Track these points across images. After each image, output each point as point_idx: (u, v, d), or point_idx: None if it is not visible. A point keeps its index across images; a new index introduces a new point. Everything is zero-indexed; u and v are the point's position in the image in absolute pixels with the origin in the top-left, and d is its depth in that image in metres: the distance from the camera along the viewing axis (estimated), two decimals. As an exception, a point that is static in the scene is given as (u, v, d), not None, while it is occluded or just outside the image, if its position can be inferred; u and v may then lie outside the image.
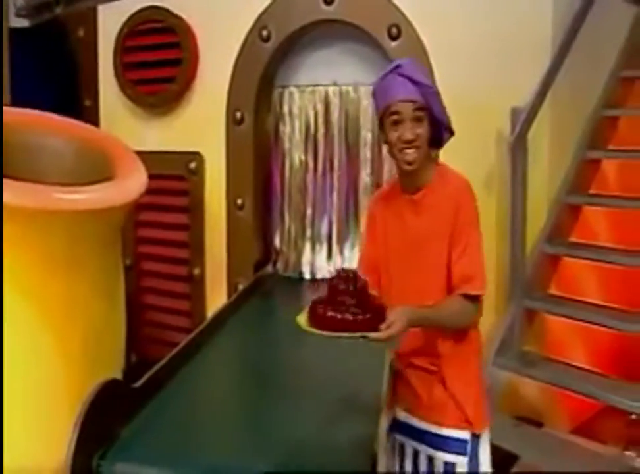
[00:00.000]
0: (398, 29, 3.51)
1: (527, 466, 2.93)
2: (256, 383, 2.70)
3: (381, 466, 2.08)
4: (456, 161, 3.41)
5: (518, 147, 3.26)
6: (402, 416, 2.04)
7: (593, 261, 3.51)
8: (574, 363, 3.30)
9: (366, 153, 3.76)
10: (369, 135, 3.75)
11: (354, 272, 1.69)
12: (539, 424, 3.37)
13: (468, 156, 3.43)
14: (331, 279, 1.72)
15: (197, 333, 2.90)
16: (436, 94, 1.86)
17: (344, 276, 1.67)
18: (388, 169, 3.73)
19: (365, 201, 3.75)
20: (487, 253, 3.32)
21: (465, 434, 1.92)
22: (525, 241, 3.30)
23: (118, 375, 2.89)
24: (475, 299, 1.85)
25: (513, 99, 3.39)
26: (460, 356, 1.93)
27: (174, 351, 2.64)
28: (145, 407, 2.21)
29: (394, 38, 3.53)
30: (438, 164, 1.96)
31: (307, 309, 1.70)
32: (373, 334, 1.61)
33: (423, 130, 1.83)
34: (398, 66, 1.85)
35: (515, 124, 3.32)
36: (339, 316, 1.61)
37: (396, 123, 1.82)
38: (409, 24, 3.51)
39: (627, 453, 3.11)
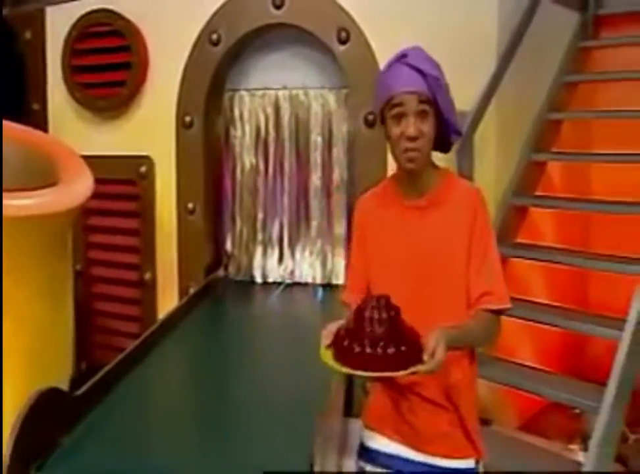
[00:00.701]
0: (347, 32, 3.53)
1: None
2: (204, 388, 2.70)
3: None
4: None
5: (464, 150, 3.31)
6: (385, 445, 1.81)
7: (539, 261, 3.59)
8: (522, 362, 3.36)
9: (316, 157, 3.77)
10: (319, 138, 3.77)
11: (386, 298, 1.50)
12: (487, 422, 3.42)
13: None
14: (362, 307, 1.50)
15: (144, 338, 2.88)
16: (445, 87, 1.71)
17: (377, 304, 1.47)
18: (339, 172, 3.76)
19: (316, 204, 3.78)
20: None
21: (472, 463, 1.78)
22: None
23: (65, 383, 2.86)
24: (499, 313, 1.70)
25: (461, 102, 3.40)
26: (469, 381, 1.79)
27: (120, 356, 2.62)
28: (88, 414, 2.19)
29: (342, 42, 3.55)
30: (440, 168, 1.79)
31: (327, 342, 1.49)
32: (421, 368, 1.44)
33: (428, 126, 1.66)
34: (403, 55, 1.70)
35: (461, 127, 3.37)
36: (380, 351, 1.41)
37: (399, 117, 1.65)
38: (358, 27, 3.54)
39: (571, 446, 3.19)
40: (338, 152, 3.76)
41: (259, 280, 3.87)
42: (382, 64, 3.47)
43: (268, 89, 3.84)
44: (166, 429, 2.34)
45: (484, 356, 3.31)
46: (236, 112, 3.88)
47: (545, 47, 3.99)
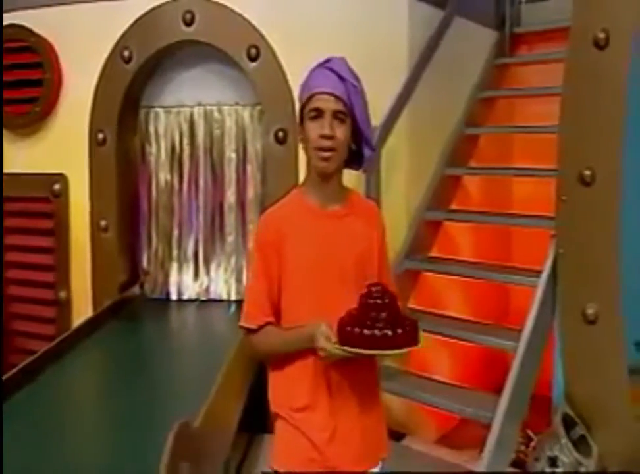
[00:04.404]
0: (257, 49, 3.55)
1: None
2: (102, 405, 2.68)
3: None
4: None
5: (370, 166, 3.32)
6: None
7: (453, 276, 3.61)
8: (434, 376, 3.37)
9: (231, 173, 3.77)
10: (234, 155, 3.77)
11: (383, 286, 1.62)
12: (400, 436, 3.42)
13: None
14: (363, 295, 1.61)
15: (42, 354, 2.85)
16: (362, 98, 1.75)
17: (375, 291, 1.60)
18: (253, 188, 3.76)
19: (230, 220, 3.78)
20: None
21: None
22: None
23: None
24: None
25: (373, 118, 3.46)
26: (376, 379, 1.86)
27: (13, 371, 2.59)
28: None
29: (252, 59, 3.57)
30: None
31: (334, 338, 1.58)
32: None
33: (343, 131, 1.69)
34: (327, 60, 1.77)
35: (369, 142, 3.40)
36: (377, 333, 1.54)
37: (316, 117, 1.68)
38: (268, 44, 3.56)
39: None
40: (252, 168, 3.76)
41: (174, 297, 3.84)
42: (292, 80, 3.55)
43: (183, 106, 3.84)
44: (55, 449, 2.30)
45: (392, 370, 3.33)
46: (151, 129, 3.86)
47: (463, 64, 4.07)
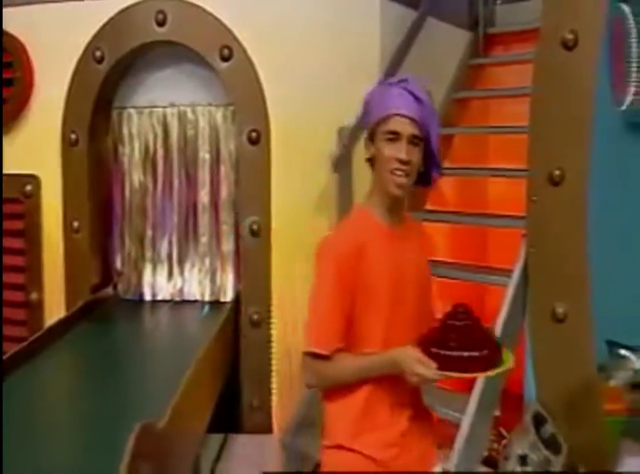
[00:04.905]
0: (230, 50, 3.54)
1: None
2: (72, 406, 2.66)
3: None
4: (289, 182, 3.52)
5: (343, 164, 3.33)
6: None
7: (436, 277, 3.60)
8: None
9: (204, 174, 3.76)
10: (207, 155, 3.76)
11: (466, 306, 1.60)
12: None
13: (301, 177, 3.52)
14: (447, 316, 1.59)
15: (13, 354, 2.82)
16: (436, 117, 1.73)
17: (461, 312, 1.59)
18: (227, 189, 3.75)
19: (204, 221, 3.76)
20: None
21: None
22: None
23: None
24: None
25: (345, 119, 3.47)
26: None
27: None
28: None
29: (225, 59, 3.56)
30: None
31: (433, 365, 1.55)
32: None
33: (416, 155, 1.66)
34: (403, 80, 1.72)
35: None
36: (466, 354, 1.53)
37: (392, 140, 1.65)
38: (240, 45, 3.55)
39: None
40: (226, 169, 3.75)
41: (148, 297, 3.82)
42: (265, 80, 3.54)
43: (156, 106, 3.82)
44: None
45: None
46: (124, 130, 3.84)
47: (436, 64, 4.07)
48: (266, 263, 3.48)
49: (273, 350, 3.48)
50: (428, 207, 3.88)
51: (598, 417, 2.83)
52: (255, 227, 3.49)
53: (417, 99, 1.67)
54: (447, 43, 4.22)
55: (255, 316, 3.47)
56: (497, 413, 3.22)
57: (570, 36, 2.90)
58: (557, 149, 2.90)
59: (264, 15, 3.59)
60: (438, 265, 3.60)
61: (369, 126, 1.72)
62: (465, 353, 1.54)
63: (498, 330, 2.85)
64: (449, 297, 3.90)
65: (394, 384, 1.66)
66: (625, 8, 4.06)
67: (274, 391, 3.47)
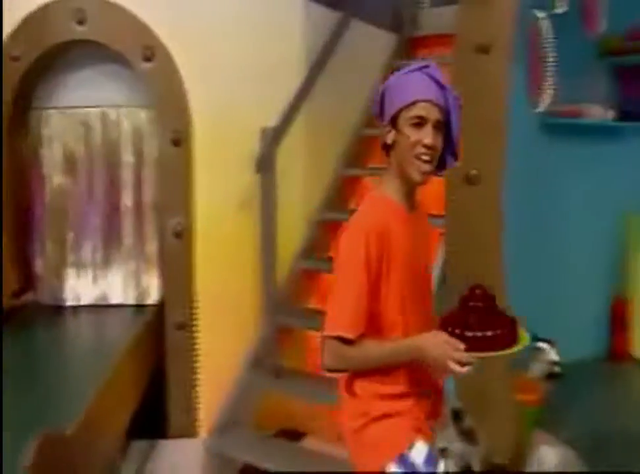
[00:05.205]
0: (152, 50, 3.50)
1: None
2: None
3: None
4: (212, 183, 3.50)
5: (266, 164, 3.34)
6: None
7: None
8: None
9: (127, 176, 3.70)
10: (130, 157, 3.71)
11: (482, 286, 1.64)
12: (299, 436, 3.43)
13: (224, 178, 3.51)
14: (466, 298, 1.64)
15: None
16: (458, 106, 1.70)
17: (479, 294, 1.63)
18: (150, 192, 3.70)
19: (127, 224, 3.70)
20: (250, 272, 3.40)
21: None
22: (277, 257, 3.37)
23: None
24: None
25: (269, 119, 3.47)
26: None
27: None
28: None
29: (147, 59, 3.51)
30: None
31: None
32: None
33: (439, 141, 1.67)
34: (426, 66, 1.69)
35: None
36: (490, 333, 1.56)
37: (418, 125, 1.64)
38: (163, 45, 3.52)
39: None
40: (150, 171, 3.70)
41: (70, 303, 3.74)
42: (187, 81, 3.52)
43: (78, 107, 3.74)
44: None
45: (288, 371, 3.35)
46: (44, 132, 3.75)
47: (362, 65, 4.12)
48: (189, 264, 3.45)
49: (198, 353, 3.46)
50: (353, 207, 3.91)
51: (511, 409, 2.92)
52: (178, 229, 3.46)
53: (440, 85, 1.67)
54: (371, 44, 4.27)
55: (180, 319, 3.44)
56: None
57: (484, 41, 2.97)
58: (473, 149, 2.96)
59: (186, 15, 3.56)
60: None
61: (392, 112, 1.68)
62: (489, 333, 1.57)
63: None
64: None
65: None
66: (540, 14, 4.22)
67: (199, 394, 3.44)
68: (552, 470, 2.93)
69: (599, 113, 4.34)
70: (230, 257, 3.43)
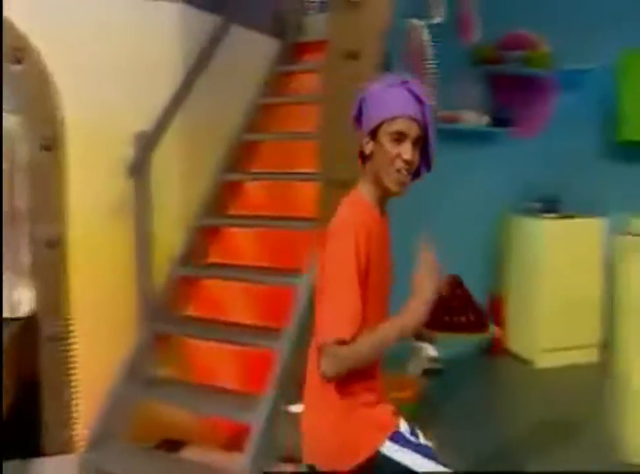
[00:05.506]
0: (21, 52, 3.37)
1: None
2: None
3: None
4: (85, 189, 3.41)
5: (138, 172, 3.28)
6: None
7: (237, 281, 3.61)
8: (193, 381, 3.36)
9: (-3, 182, 3.55)
10: (2, 163, 3.54)
11: (456, 278, 1.76)
12: (178, 446, 3.38)
13: (98, 183, 3.42)
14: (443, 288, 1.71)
15: None
16: (434, 120, 1.79)
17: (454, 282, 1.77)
18: (23, 200, 3.53)
19: (-1, 232, 3.54)
20: (126, 280, 3.32)
21: None
22: (154, 264, 3.32)
23: None
24: None
25: (143, 124, 3.41)
26: None
27: None
28: None
29: (16, 62, 3.38)
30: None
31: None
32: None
33: (417, 155, 1.77)
34: (406, 81, 1.77)
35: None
36: (463, 319, 1.76)
37: (398, 140, 1.73)
38: (32, 47, 3.39)
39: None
40: (22, 177, 3.56)
41: None
42: (59, 85, 3.41)
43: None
44: None
45: (165, 380, 3.30)
46: None
47: (243, 71, 4.11)
48: (63, 274, 3.34)
49: (74, 365, 3.35)
50: (235, 212, 3.90)
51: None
52: (50, 237, 3.34)
53: (418, 100, 1.75)
54: (253, 49, 4.27)
55: (53, 331, 3.32)
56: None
57: (353, 47, 3.04)
58: (342, 156, 3.01)
59: (57, 17, 3.43)
60: (243, 270, 3.61)
61: (372, 125, 1.76)
62: (463, 318, 1.74)
63: (290, 330, 2.94)
64: (261, 301, 3.95)
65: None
66: (418, 23, 4.36)
67: (77, 407, 3.34)
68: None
69: (474, 119, 4.53)
70: (105, 265, 3.35)
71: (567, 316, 4.72)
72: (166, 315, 3.40)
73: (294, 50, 4.64)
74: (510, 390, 4.57)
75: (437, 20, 4.30)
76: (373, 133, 1.77)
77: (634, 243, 3.83)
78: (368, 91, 1.81)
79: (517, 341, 5.08)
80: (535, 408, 4.20)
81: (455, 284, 1.86)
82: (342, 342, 1.62)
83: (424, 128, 1.77)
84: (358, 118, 1.83)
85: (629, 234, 4.07)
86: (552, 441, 3.65)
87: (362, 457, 1.76)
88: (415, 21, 4.30)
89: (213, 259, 3.68)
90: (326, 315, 1.66)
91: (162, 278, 3.43)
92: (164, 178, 3.45)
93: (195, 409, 3.17)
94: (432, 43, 4.24)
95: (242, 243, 3.93)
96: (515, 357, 5.01)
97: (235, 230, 3.83)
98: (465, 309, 1.80)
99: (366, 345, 1.66)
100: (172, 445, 3.36)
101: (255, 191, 4.08)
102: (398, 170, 1.74)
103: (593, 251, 4.90)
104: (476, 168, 4.56)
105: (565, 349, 4.83)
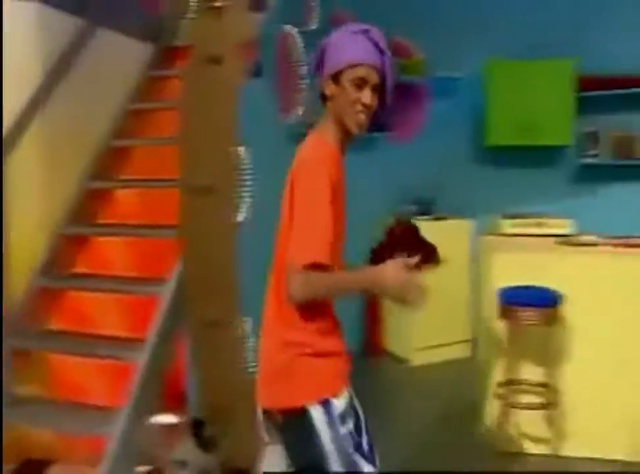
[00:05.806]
0: None
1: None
2: None
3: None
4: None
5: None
6: None
7: (101, 291, 3.49)
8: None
9: None
10: None
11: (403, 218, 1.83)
12: (46, 465, 3.24)
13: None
14: (394, 227, 1.93)
15: None
16: (393, 68, 1.89)
17: (403, 222, 1.94)
18: None
19: None
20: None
21: None
22: (10, 274, 3.17)
23: None
24: None
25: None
26: None
27: None
28: None
29: None
30: None
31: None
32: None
33: (375, 101, 1.88)
34: (367, 30, 1.86)
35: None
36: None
37: (359, 86, 1.84)
38: None
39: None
40: None
41: None
42: None
43: None
44: None
45: (25, 398, 3.14)
46: None
47: (111, 75, 4.00)
48: None
49: None
50: (103, 220, 3.77)
51: (250, 416, 2.97)
52: None
53: (379, 49, 1.86)
54: (124, 54, 4.15)
55: None
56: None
57: (216, 51, 3.01)
58: (206, 160, 2.98)
59: None
60: (111, 280, 3.47)
61: (334, 69, 1.86)
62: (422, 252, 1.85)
63: (150, 340, 2.87)
64: (132, 311, 3.83)
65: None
66: (291, 29, 4.38)
67: None
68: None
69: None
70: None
71: (438, 315, 4.86)
72: (26, 328, 3.24)
73: (168, 54, 4.55)
74: (388, 388, 4.68)
75: (311, 26, 4.34)
76: (335, 77, 1.88)
77: (497, 243, 4.00)
78: (331, 37, 1.91)
79: (393, 341, 5.22)
80: (414, 404, 4.33)
81: (405, 225, 2.01)
82: (318, 266, 1.70)
83: (383, 76, 1.89)
84: (319, 65, 1.93)
85: (493, 234, 4.25)
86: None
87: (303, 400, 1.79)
88: (288, 27, 4.32)
89: (79, 269, 3.55)
90: (303, 241, 1.75)
91: (20, 288, 3.27)
92: (24, 183, 3.31)
93: (56, 427, 3.04)
94: (305, 50, 4.27)
95: (111, 253, 3.82)
96: (392, 357, 5.14)
97: (103, 239, 3.71)
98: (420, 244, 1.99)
99: (333, 279, 1.78)
100: (36, 465, 3.22)
101: (125, 199, 3.98)
102: (358, 113, 1.86)
103: (463, 251, 5.08)
104: (353, 172, 4.60)
105: (439, 346, 5.00)
